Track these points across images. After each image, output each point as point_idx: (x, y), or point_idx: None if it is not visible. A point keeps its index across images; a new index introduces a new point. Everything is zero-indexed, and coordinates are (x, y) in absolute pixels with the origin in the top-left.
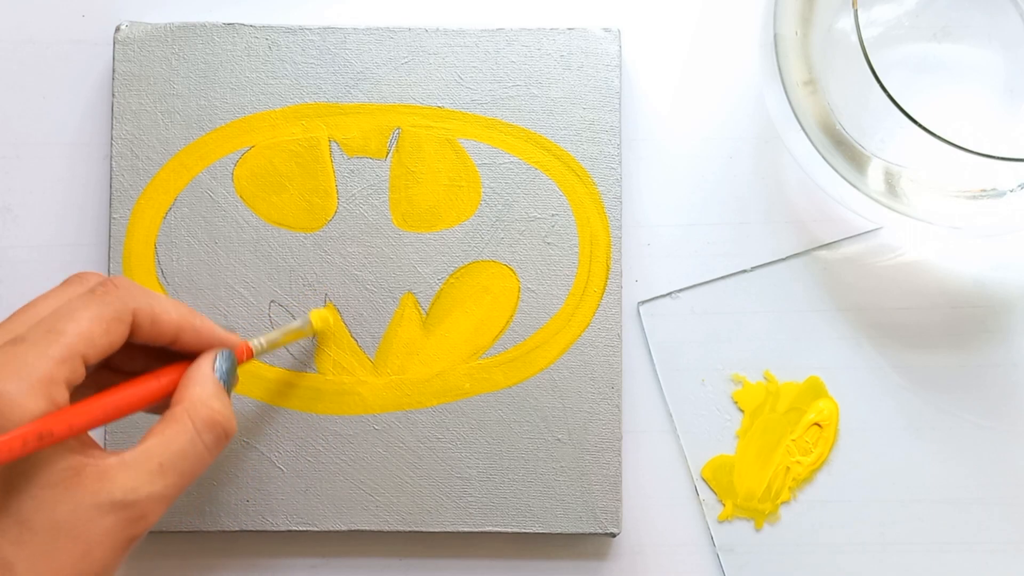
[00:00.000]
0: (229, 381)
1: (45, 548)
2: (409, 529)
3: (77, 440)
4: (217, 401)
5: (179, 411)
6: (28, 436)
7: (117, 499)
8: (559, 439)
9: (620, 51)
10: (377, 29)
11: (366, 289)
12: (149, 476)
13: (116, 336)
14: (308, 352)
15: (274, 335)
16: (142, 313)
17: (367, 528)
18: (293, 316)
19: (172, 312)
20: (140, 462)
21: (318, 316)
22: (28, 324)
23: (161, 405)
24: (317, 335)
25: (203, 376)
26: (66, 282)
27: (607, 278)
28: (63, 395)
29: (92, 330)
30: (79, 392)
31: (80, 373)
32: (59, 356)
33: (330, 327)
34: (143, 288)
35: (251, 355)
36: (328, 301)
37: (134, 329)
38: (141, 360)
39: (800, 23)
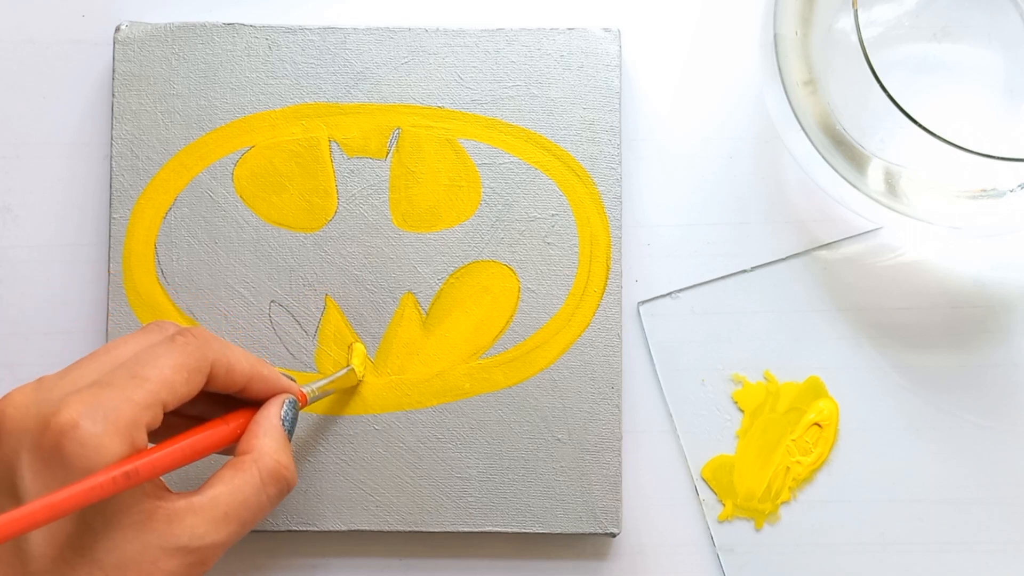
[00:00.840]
0: (293, 430)
1: None
2: (409, 529)
3: (150, 482)
4: (283, 454)
5: (248, 461)
6: (118, 477)
7: (183, 544)
8: (559, 439)
9: (620, 51)
10: (377, 29)
11: (366, 289)
12: (215, 524)
13: (195, 385)
14: (308, 352)
15: (324, 383)
16: (219, 364)
17: (367, 528)
18: (293, 316)
19: (244, 363)
20: (207, 509)
21: (359, 360)
22: (108, 367)
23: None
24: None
25: (271, 427)
26: (144, 330)
27: (607, 278)
28: (143, 439)
29: (174, 379)
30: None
31: (159, 419)
32: (143, 402)
33: (368, 364)
34: (218, 338)
35: (305, 403)
36: (354, 343)
37: (210, 378)
38: (202, 404)
39: (800, 23)
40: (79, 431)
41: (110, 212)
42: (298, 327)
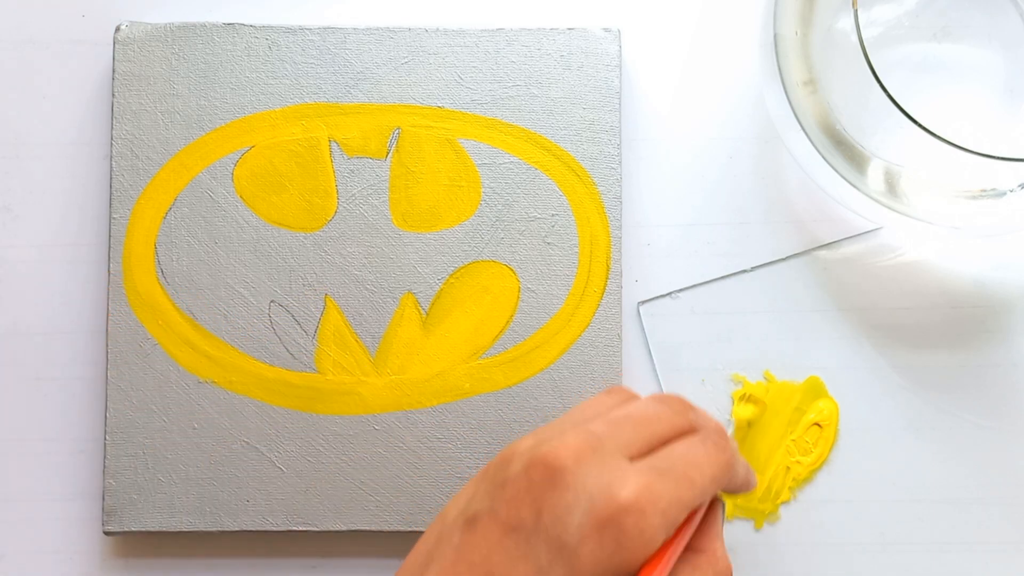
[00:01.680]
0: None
1: None
2: (409, 529)
3: None
4: (728, 557)
5: (704, 564)
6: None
7: None
8: None
9: (620, 51)
10: (377, 29)
11: (366, 289)
12: None
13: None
14: (308, 352)
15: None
16: (736, 477)
17: (367, 528)
18: (293, 316)
19: (742, 470)
20: None
21: (742, 415)
22: (653, 439)
23: None
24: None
25: (720, 529)
26: (609, 392)
27: (607, 278)
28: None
29: (710, 490)
30: None
31: None
32: (688, 505)
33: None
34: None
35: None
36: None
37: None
38: None
39: (800, 23)
40: (644, 519)
41: (110, 212)
42: (298, 327)
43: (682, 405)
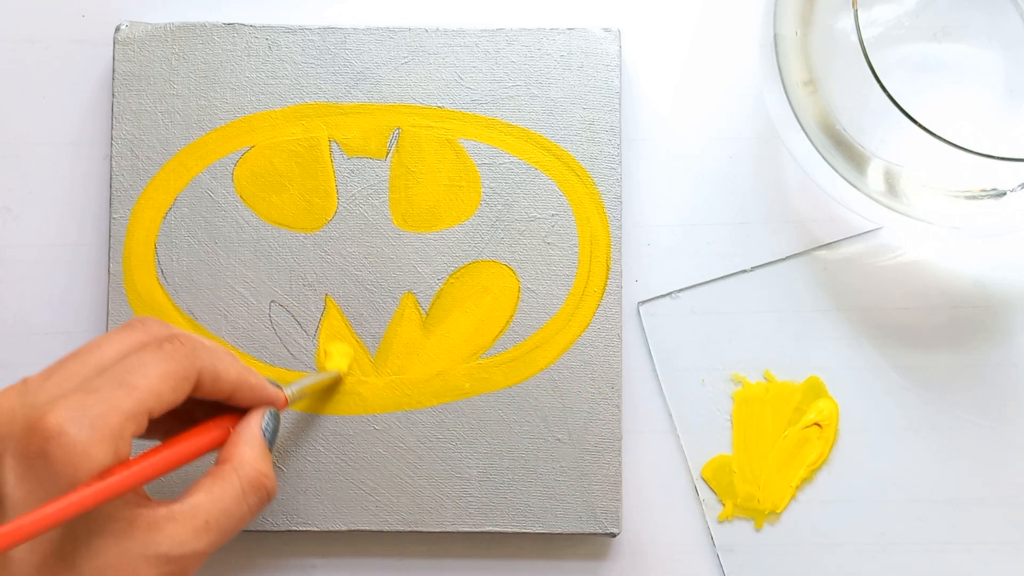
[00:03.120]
0: (274, 440)
1: None
2: (409, 529)
3: (134, 491)
4: (264, 463)
5: (228, 470)
6: (103, 489)
7: (163, 552)
8: (559, 439)
9: (620, 51)
10: (377, 29)
11: (366, 289)
12: (195, 533)
13: (181, 394)
14: (308, 352)
15: (307, 384)
16: (206, 372)
17: (367, 528)
18: (293, 316)
19: (231, 371)
20: (188, 517)
21: (341, 361)
22: (94, 369)
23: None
24: (344, 375)
25: (252, 437)
26: (129, 327)
27: (607, 278)
28: (127, 448)
29: (162, 388)
30: None
31: (144, 427)
32: (130, 411)
33: (354, 361)
34: (206, 344)
35: (286, 405)
36: (328, 347)
37: (196, 386)
38: (187, 407)
39: (800, 23)
40: (65, 438)
41: (110, 212)
42: (298, 327)
43: (145, 325)
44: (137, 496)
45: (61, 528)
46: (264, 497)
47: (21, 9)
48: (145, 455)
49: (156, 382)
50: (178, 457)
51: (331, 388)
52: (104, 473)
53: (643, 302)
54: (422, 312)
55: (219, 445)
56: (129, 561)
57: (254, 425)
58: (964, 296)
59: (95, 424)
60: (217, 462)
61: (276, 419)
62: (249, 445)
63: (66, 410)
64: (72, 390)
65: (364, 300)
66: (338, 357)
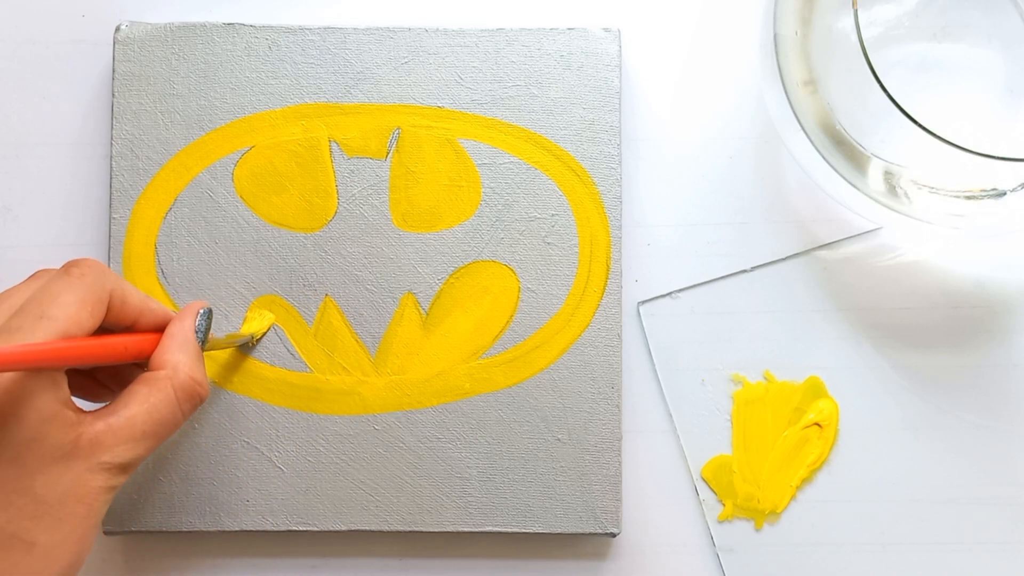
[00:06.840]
0: (206, 340)
1: (59, 515)
2: (409, 529)
3: (72, 410)
4: (197, 369)
5: (162, 377)
6: (29, 351)
7: (105, 461)
8: (559, 439)
9: (620, 51)
10: (377, 29)
11: (366, 289)
12: (134, 442)
13: (98, 317)
14: (308, 352)
15: (222, 338)
16: (115, 294)
17: (367, 528)
18: (294, 316)
19: (136, 295)
20: (125, 429)
21: (259, 323)
22: (9, 310)
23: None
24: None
25: (186, 341)
26: (33, 277)
27: (607, 278)
28: (61, 383)
29: (79, 313)
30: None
31: None
32: (47, 336)
33: (271, 323)
34: (110, 269)
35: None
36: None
37: (107, 308)
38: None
39: (800, 23)
40: None
41: (110, 212)
42: (298, 327)
43: (45, 270)
44: (74, 414)
45: (16, 466)
46: (197, 402)
47: (21, 9)
48: (76, 339)
49: (74, 309)
50: (105, 351)
51: (248, 347)
52: (31, 344)
53: (643, 302)
54: (422, 312)
55: (148, 353)
56: (81, 476)
57: (187, 328)
58: (964, 296)
59: (15, 356)
60: (150, 367)
61: (208, 321)
62: (183, 351)
63: None
64: None
65: (364, 300)
66: (256, 322)
